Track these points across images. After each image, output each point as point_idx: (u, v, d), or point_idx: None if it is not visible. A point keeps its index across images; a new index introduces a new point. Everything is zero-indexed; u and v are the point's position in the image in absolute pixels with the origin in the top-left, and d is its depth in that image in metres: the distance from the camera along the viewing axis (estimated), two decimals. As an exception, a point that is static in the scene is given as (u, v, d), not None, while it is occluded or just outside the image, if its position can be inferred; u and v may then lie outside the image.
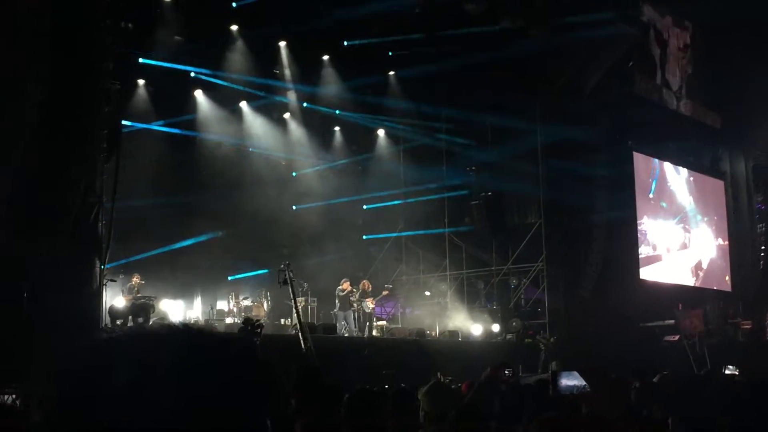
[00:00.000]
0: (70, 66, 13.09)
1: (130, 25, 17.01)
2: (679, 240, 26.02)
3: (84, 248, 13.42)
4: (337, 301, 20.03)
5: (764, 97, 25.38)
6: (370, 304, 20.23)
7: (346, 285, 20.06)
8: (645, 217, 24.43)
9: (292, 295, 15.89)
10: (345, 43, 21.45)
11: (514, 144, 23.02)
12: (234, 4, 19.63)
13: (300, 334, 14.79)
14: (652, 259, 24.50)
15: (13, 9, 12.58)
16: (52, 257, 12.58)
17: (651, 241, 24.58)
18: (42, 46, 12.71)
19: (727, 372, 17.66)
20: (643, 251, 24.14)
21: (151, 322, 15.69)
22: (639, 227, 24.01)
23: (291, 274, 15.57)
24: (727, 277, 27.38)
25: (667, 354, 20.51)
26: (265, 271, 21.40)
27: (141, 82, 20.28)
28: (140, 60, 19.34)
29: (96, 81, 13.92)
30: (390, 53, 22.01)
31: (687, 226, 26.49)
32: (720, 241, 27.64)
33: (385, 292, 21.34)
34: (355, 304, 19.98)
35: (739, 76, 24.73)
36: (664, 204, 25.60)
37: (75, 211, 13.14)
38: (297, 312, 15.55)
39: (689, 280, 25.86)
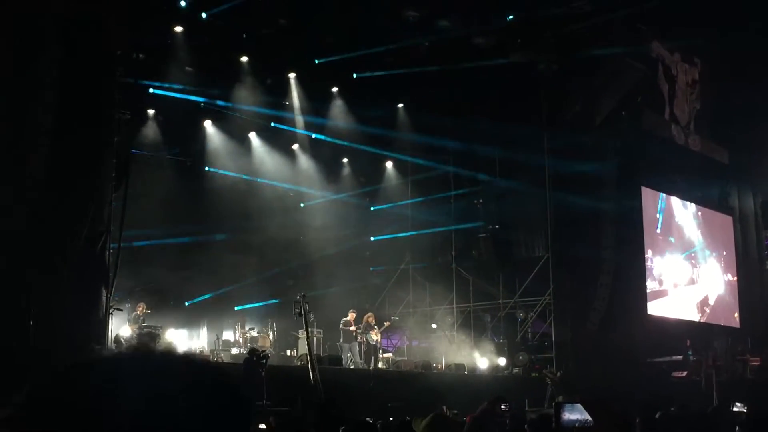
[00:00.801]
0: (79, 95, 13.18)
1: (141, 55, 17.19)
2: (686, 275, 25.88)
3: (91, 276, 13.44)
4: (342, 333, 19.97)
5: (773, 133, 25.41)
6: (374, 336, 20.16)
7: (352, 316, 20.02)
8: (651, 252, 24.32)
9: (305, 327, 15.71)
10: (354, 75, 21.58)
11: (522, 177, 23.08)
12: (244, 36, 19.80)
13: (309, 366, 14.69)
14: (658, 294, 24.33)
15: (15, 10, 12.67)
16: (59, 285, 12.60)
17: (657, 276, 24.45)
18: (49, 73, 12.81)
19: (735, 409, 17.48)
20: (649, 286, 24.00)
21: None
22: (646, 262, 23.90)
23: (306, 306, 15.46)
24: (735, 314, 27.17)
25: (675, 389, 20.35)
26: (275, 301, 21.42)
27: (151, 112, 20.44)
28: (151, 90, 19.49)
29: (106, 111, 14.01)
30: (399, 85, 22.13)
31: (695, 261, 26.37)
32: (729, 276, 27.49)
33: (387, 323, 21.25)
34: (360, 336, 19.92)
35: (748, 111, 24.78)
36: (671, 239, 25.51)
37: (82, 239, 13.16)
38: (308, 344, 15.40)
39: (695, 316, 25.68)
